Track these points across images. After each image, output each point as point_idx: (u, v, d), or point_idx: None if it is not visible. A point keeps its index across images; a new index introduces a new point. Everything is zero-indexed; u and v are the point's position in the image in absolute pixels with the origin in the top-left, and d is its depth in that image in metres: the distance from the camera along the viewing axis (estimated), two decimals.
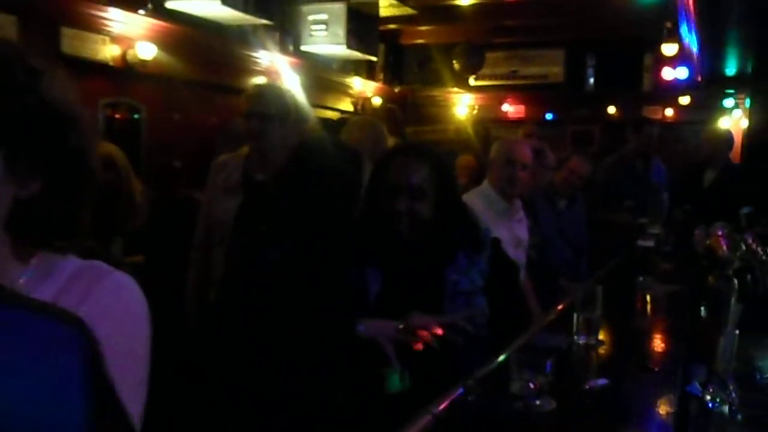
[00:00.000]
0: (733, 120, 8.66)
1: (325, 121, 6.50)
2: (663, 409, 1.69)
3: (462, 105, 9.77)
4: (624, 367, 2.06)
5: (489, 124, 9.39)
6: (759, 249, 2.75)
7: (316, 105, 6.87)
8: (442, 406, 1.54)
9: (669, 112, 8.94)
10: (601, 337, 2.25)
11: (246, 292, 1.89)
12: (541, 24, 8.27)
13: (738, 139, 8.37)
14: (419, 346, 1.81)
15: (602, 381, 1.80)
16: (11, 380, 0.51)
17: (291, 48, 6.86)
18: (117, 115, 5.30)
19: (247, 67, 6.30)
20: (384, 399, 1.76)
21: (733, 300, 1.96)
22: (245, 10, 5.47)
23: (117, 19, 4.98)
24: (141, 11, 5.20)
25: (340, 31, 6.63)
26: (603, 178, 5.30)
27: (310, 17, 6.72)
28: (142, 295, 0.92)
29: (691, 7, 5.22)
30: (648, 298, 3.11)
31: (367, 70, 8.72)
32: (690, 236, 3.56)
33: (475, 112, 9.78)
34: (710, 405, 1.60)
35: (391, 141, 3.71)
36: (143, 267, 3.37)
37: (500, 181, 3.15)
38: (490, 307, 2.08)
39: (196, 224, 3.08)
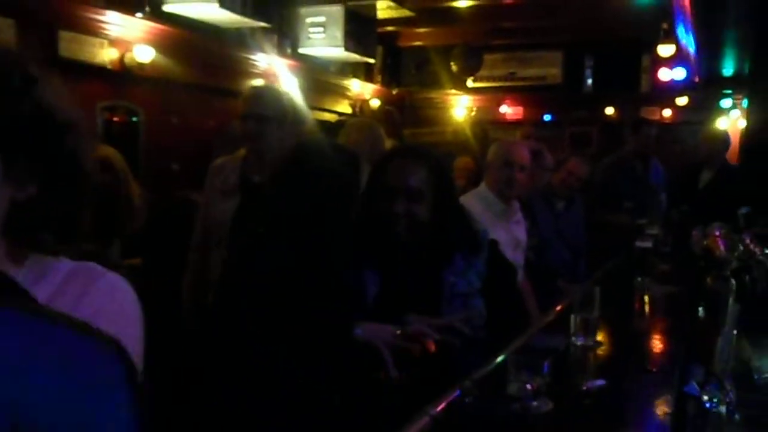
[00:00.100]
0: (731, 120, 8.68)
1: (323, 124, 6.51)
2: (660, 409, 1.69)
3: (460, 107, 9.78)
4: (622, 368, 2.06)
5: (487, 125, 9.41)
6: (756, 249, 2.75)
7: (314, 107, 6.88)
8: (439, 408, 1.54)
9: (667, 112, 8.96)
10: (599, 338, 2.25)
11: (243, 293, 1.89)
12: (539, 26, 8.28)
13: (736, 139, 8.38)
14: (417, 352, 1.80)
15: (600, 382, 1.80)
16: (60, 402, 0.50)
17: (289, 50, 6.87)
18: (115, 118, 5.30)
19: (245, 70, 6.30)
20: (382, 401, 1.76)
21: (730, 300, 1.96)
22: (243, 13, 5.48)
23: (114, 22, 4.99)
24: (139, 14, 5.21)
25: (338, 33, 6.64)
26: (601, 179, 5.30)
27: (308, 20, 6.73)
28: (135, 297, 0.93)
29: (688, 9, 5.22)
30: (646, 298, 3.11)
31: (365, 73, 8.73)
32: (688, 237, 3.56)
33: (473, 113, 9.80)
34: (708, 405, 1.59)
35: (389, 143, 3.71)
36: (141, 270, 3.37)
37: (498, 182, 3.15)
38: (487, 308, 2.08)
39: (193, 226, 3.08)
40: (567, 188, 4.25)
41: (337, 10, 6.63)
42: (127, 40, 5.10)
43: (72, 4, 4.74)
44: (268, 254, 1.88)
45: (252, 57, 6.39)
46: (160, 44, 5.33)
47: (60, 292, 0.87)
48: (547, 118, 9.52)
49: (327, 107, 7.85)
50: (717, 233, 3.00)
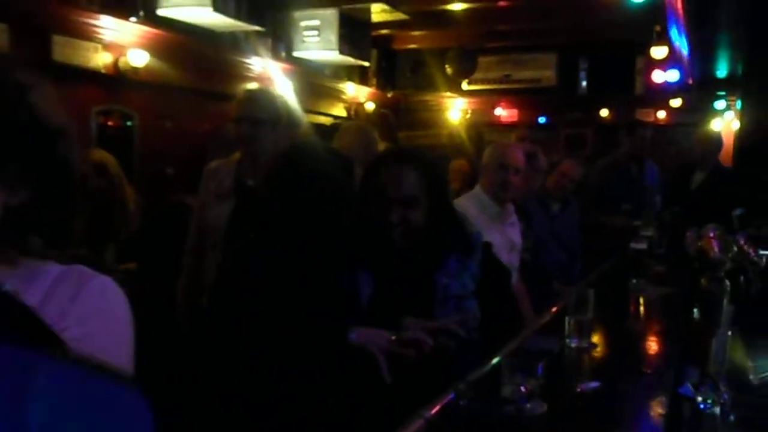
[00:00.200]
0: (725, 122, 8.70)
1: (319, 127, 6.51)
2: (655, 411, 1.69)
3: (455, 109, 9.79)
4: (616, 370, 2.06)
5: (482, 128, 9.42)
6: (751, 250, 2.75)
7: (309, 111, 6.88)
8: (433, 411, 1.54)
9: (661, 114, 8.98)
10: (593, 340, 2.25)
11: (238, 297, 1.89)
12: (534, 28, 8.30)
13: (730, 140, 8.41)
14: (411, 358, 1.80)
15: (594, 384, 1.80)
16: None
17: (283, 54, 6.88)
18: (109, 123, 5.30)
19: (240, 74, 6.30)
20: (376, 403, 1.75)
21: (725, 302, 1.96)
22: (237, 17, 5.48)
23: (109, 27, 4.98)
24: (133, 18, 5.21)
25: (333, 36, 6.64)
26: (596, 181, 5.31)
27: (303, 23, 6.74)
28: (125, 298, 0.95)
29: (680, 11, 5.24)
30: (641, 300, 3.12)
31: (360, 76, 8.74)
32: (682, 238, 3.56)
33: (468, 116, 9.81)
34: (702, 407, 1.60)
35: (383, 146, 3.71)
36: (136, 274, 3.37)
37: (493, 185, 3.15)
38: (481, 311, 2.08)
39: (188, 230, 3.08)
40: (561, 190, 4.26)
41: (331, 13, 6.63)
42: (121, 44, 5.10)
43: (66, 9, 4.73)
44: (263, 258, 1.87)
45: (246, 61, 6.39)
46: (155, 48, 5.33)
47: (50, 295, 0.88)
48: (541, 120, 9.53)
49: (322, 110, 7.85)
50: (711, 234, 3.00)
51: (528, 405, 1.56)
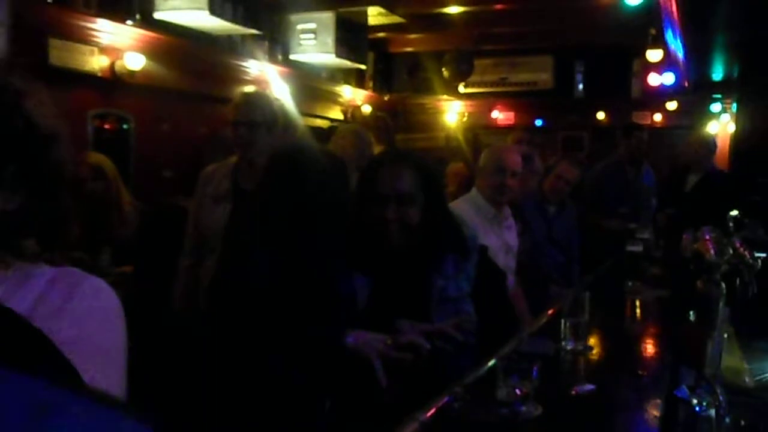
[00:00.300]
0: (721, 124, 8.72)
1: (315, 130, 6.51)
2: (650, 413, 1.69)
3: (452, 112, 9.80)
4: (612, 373, 2.06)
5: (479, 130, 9.43)
6: (746, 253, 2.75)
7: (306, 114, 6.88)
8: (429, 414, 1.54)
9: (658, 117, 9.00)
10: (589, 342, 2.25)
11: (234, 300, 1.89)
12: (530, 31, 8.32)
13: (726, 143, 8.44)
14: (408, 362, 1.80)
15: (589, 386, 1.81)
16: None
17: (280, 57, 6.88)
18: (106, 126, 5.29)
19: (237, 77, 6.30)
20: (371, 406, 1.75)
21: (721, 304, 1.96)
22: (234, 20, 5.49)
23: (105, 30, 4.98)
24: (129, 22, 5.20)
25: (329, 40, 6.65)
26: (592, 184, 5.32)
27: (299, 26, 6.74)
28: (118, 299, 0.96)
29: (675, 14, 5.25)
30: (637, 302, 3.12)
31: (357, 79, 8.74)
32: (679, 241, 3.56)
33: (464, 119, 9.82)
34: (698, 409, 1.60)
35: (379, 149, 3.72)
36: (132, 277, 3.36)
37: (490, 188, 3.15)
38: (477, 313, 2.08)
39: (184, 233, 3.08)
40: (557, 193, 4.26)
41: (328, 16, 6.64)
42: (117, 47, 5.10)
43: (62, 12, 4.73)
44: (259, 260, 1.87)
45: (243, 64, 6.40)
46: (151, 52, 5.33)
47: (44, 297, 0.89)
48: (538, 123, 9.54)
49: (319, 114, 7.85)
50: (707, 237, 3.01)
51: (523, 408, 1.57)
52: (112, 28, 5.02)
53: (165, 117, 5.68)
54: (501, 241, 3.12)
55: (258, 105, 2.99)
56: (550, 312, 2.75)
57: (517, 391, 1.57)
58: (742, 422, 1.70)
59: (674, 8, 5.12)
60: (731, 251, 2.82)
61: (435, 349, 1.83)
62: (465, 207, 3.03)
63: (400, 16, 7.21)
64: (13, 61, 0.97)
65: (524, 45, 9.11)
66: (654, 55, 6.95)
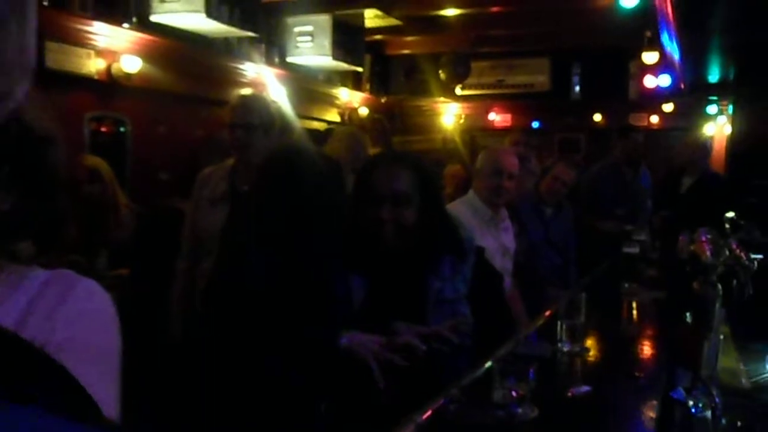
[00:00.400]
0: (717, 126, 8.74)
1: (312, 132, 6.51)
2: (647, 415, 1.69)
3: (449, 114, 9.81)
4: (608, 374, 2.06)
5: (476, 133, 9.43)
6: (743, 254, 2.76)
7: (303, 116, 6.87)
8: (425, 416, 1.54)
9: (654, 119, 9.02)
10: (586, 344, 2.25)
11: (231, 302, 1.88)
12: (526, 33, 8.33)
13: (722, 144, 8.45)
14: (403, 364, 1.80)
15: (585, 388, 1.81)
16: None
17: (277, 60, 6.88)
18: (102, 129, 5.28)
19: (233, 80, 6.29)
20: (368, 408, 1.75)
21: (717, 306, 1.97)
22: (230, 23, 5.48)
23: (102, 33, 4.97)
24: (126, 24, 5.20)
25: (326, 42, 6.65)
26: (589, 186, 5.32)
27: (296, 29, 6.74)
28: (112, 301, 0.96)
29: (671, 16, 5.26)
30: (633, 304, 3.13)
31: (354, 81, 8.74)
32: (675, 242, 3.57)
33: (461, 121, 9.83)
34: (694, 411, 1.60)
35: (375, 151, 3.71)
36: (129, 279, 3.36)
37: (487, 190, 3.15)
38: (474, 315, 2.08)
39: (181, 236, 3.07)
40: (554, 194, 4.26)
41: (324, 19, 6.64)
42: (114, 50, 5.09)
43: (58, 15, 4.72)
44: (255, 262, 1.87)
45: (240, 66, 6.39)
46: (148, 54, 5.32)
47: (37, 300, 0.89)
48: (535, 125, 9.56)
49: (316, 116, 7.85)
50: (703, 239, 3.01)
51: (519, 410, 1.57)
52: (108, 31, 5.01)
53: (162, 120, 5.67)
54: (498, 242, 3.13)
55: (255, 107, 2.99)
56: (546, 314, 2.75)
57: (514, 393, 1.57)
58: (738, 424, 1.70)
59: (670, 11, 5.13)
60: (727, 253, 2.82)
61: (431, 351, 1.83)
62: (462, 209, 3.03)
63: (396, 18, 7.21)
64: None
65: (521, 47, 9.12)
66: (650, 57, 6.96)
